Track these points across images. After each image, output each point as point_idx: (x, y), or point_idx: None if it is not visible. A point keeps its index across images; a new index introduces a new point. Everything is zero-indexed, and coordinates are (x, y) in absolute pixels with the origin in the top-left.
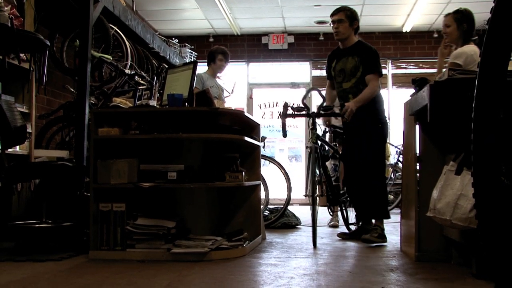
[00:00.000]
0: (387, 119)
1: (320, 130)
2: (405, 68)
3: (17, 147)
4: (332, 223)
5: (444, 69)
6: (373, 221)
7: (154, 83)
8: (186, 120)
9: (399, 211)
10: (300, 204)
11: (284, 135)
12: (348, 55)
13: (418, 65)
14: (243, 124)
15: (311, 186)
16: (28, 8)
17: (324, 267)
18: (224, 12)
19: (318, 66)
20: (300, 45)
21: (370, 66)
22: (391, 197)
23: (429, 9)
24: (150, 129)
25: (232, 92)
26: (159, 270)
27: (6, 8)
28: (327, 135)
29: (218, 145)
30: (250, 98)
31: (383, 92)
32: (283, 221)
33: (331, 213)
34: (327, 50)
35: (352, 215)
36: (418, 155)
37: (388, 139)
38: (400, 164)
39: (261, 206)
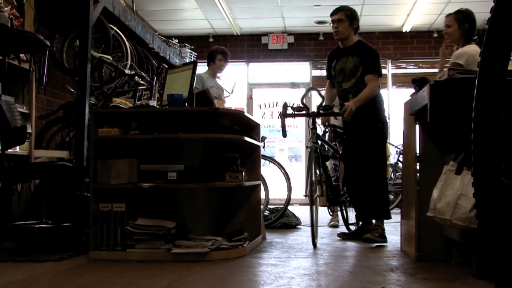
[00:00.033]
0: (387, 119)
1: (320, 130)
2: (405, 68)
3: (17, 147)
4: (332, 223)
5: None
6: (374, 221)
7: (154, 83)
8: (186, 120)
9: (399, 211)
10: (300, 204)
11: (284, 135)
12: (348, 55)
13: (418, 65)
14: (243, 124)
15: (310, 186)
16: (28, 9)
17: (324, 267)
18: (224, 12)
19: (318, 66)
20: (300, 45)
21: (370, 66)
22: (391, 197)
23: (429, 9)
24: (150, 129)
25: (232, 92)
26: (159, 270)
27: (6, 8)
28: (327, 135)
29: (218, 145)
30: (250, 98)
31: (383, 92)
32: (283, 221)
33: (331, 213)
34: (327, 50)
35: (352, 215)
36: (418, 155)
37: (388, 139)
38: (400, 164)
39: (261, 206)
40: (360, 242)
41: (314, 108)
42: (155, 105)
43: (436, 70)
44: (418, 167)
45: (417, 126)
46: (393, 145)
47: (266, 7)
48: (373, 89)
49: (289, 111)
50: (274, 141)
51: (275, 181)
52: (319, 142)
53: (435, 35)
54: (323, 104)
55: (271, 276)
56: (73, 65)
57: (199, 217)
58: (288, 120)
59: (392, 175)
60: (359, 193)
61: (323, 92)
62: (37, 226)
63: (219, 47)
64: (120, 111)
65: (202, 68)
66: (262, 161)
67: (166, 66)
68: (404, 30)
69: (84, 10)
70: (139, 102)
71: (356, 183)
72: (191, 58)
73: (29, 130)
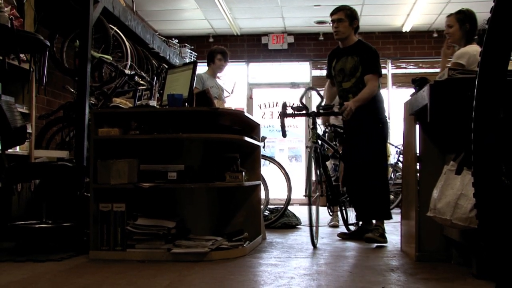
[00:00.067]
0: (387, 118)
1: (320, 130)
2: (405, 68)
3: (17, 147)
4: (332, 223)
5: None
6: (374, 221)
7: (154, 83)
8: (186, 120)
9: (399, 211)
10: (300, 204)
11: (284, 135)
12: (347, 55)
13: (418, 64)
14: (243, 124)
15: (308, 186)
16: (28, 9)
17: (324, 267)
18: (224, 12)
19: (318, 66)
20: (300, 45)
21: (370, 66)
22: (391, 197)
23: (428, 9)
24: (150, 129)
25: (232, 92)
26: (159, 270)
27: (6, 8)
28: (326, 135)
29: (218, 145)
30: (250, 98)
31: (383, 92)
32: (283, 221)
33: (331, 213)
34: (327, 50)
35: (352, 215)
36: (418, 155)
37: (388, 139)
38: (400, 164)
39: (261, 206)
40: (360, 242)
41: (313, 108)
42: (155, 105)
43: (436, 70)
44: (418, 167)
45: (417, 126)
46: (393, 145)
47: (266, 7)
48: (373, 89)
49: (289, 111)
50: (274, 141)
51: (275, 181)
52: (319, 142)
53: (435, 35)
54: (323, 103)
55: (271, 276)
56: (73, 65)
57: (199, 217)
58: (288, 120)
59: (392, 175)
60: (359, 193)
61: (322, 92)
62: (37, 226)
63: (218, 47)
64: (120, 111)
65: (202, 68)
66: (262, 161)
67: (166, 66)
68: (404, 30)
69: (84, 10)
70: (139, 102)
71: (356, 183)
72: (191, 58)
73: (29, 130)
